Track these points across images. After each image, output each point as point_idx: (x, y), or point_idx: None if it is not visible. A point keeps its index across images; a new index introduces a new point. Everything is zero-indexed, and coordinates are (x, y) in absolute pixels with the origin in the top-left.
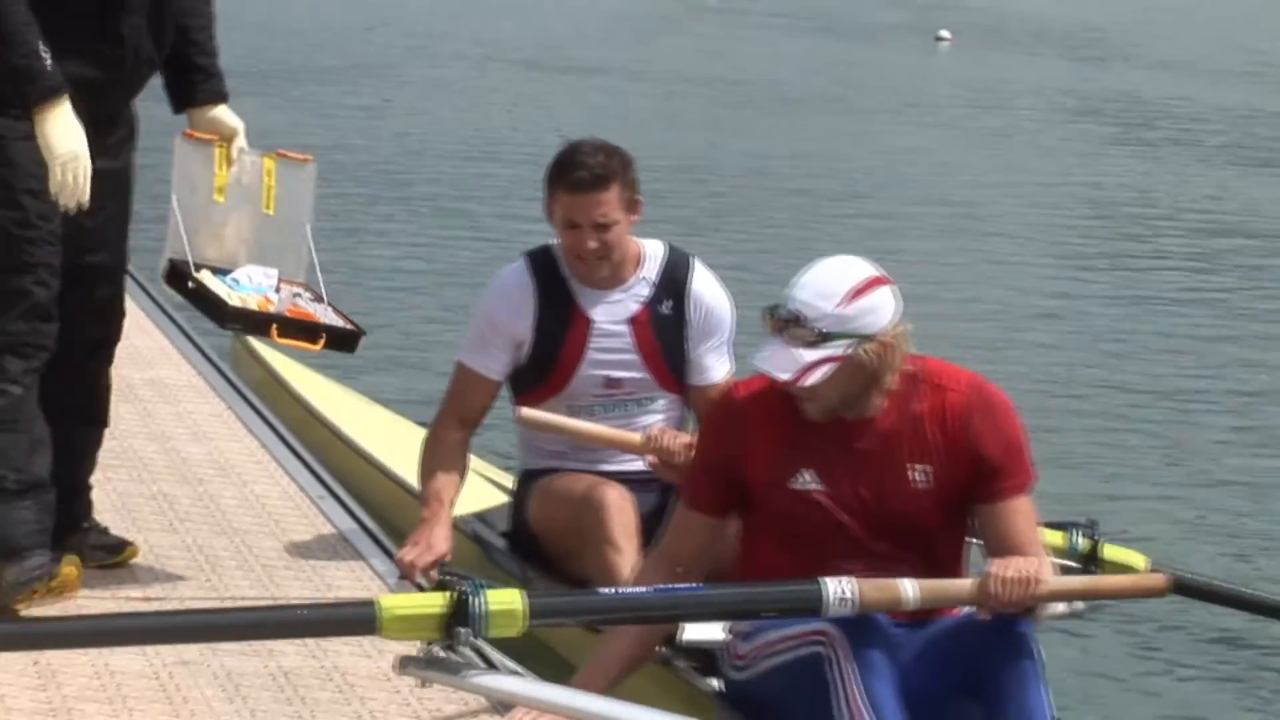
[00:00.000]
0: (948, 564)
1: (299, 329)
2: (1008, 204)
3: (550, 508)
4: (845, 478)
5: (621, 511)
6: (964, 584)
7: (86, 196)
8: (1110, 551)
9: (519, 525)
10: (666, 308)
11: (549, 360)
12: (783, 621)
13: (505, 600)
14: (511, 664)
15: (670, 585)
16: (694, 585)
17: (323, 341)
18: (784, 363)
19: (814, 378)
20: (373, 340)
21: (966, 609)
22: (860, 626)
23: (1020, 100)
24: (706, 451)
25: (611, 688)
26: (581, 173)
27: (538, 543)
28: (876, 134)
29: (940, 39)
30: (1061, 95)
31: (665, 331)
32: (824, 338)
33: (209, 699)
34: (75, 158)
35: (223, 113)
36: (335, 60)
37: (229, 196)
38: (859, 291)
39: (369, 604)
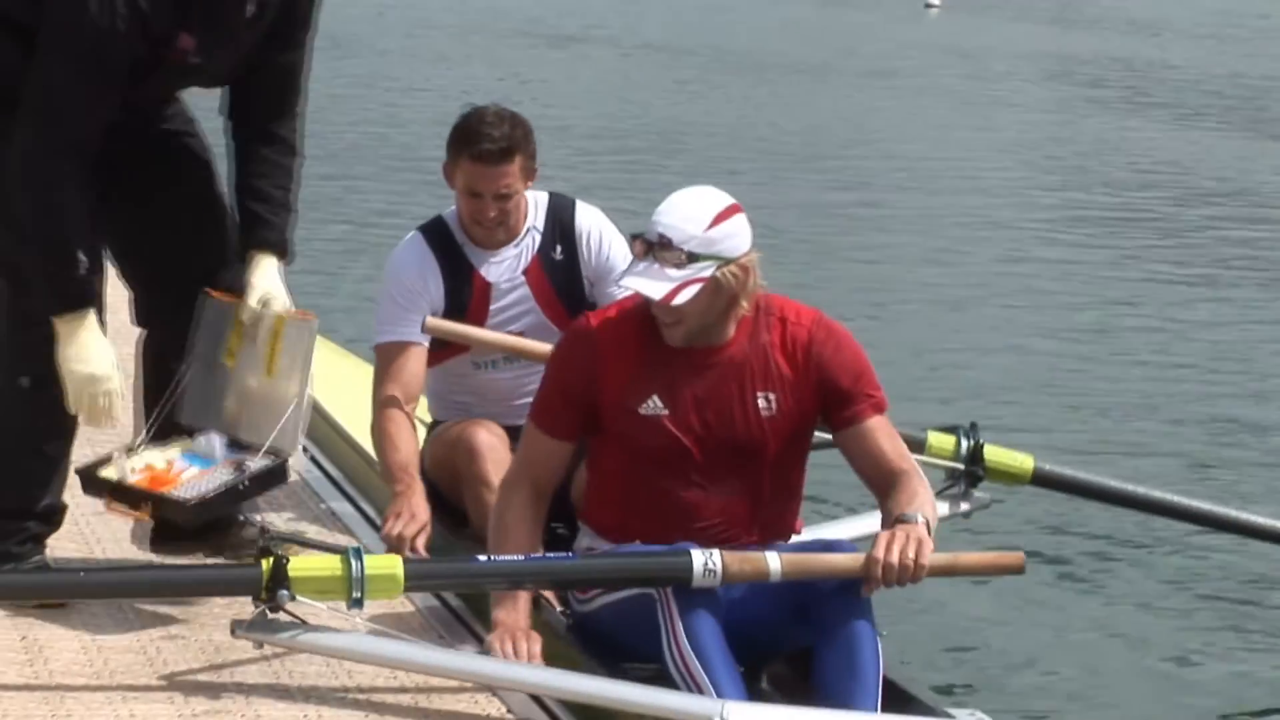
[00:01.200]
0: (781, 487)
1: (135, 497)
2: (978, 163)
3: (436, 455)
4: (692, 403)
5: (492, 450)
6: (838, 559)
7: (117, 415)
8: (992, 452)
9: (423, 475)
10: (558, 253)
11: None
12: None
13: (384, 565)
14: (365, 622)
15: (543, 555)
16: (565, 555)
17: (150, 510)
18: (655, 282)
19: (683, 297)
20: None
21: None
22: None
23: (1008, 65)
24: (564, 379)
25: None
26: (487, 145)
27: (437, 491)
28: (863, 100)
29: (929, 5)
30: (1050, 60)
31: (559, 276)
32: (691, 259)
33: (195, 673)
34: (93, 380)
35: (266, 267)
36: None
37: (238, 359)
38: (721, 217)
39: (255, 566)
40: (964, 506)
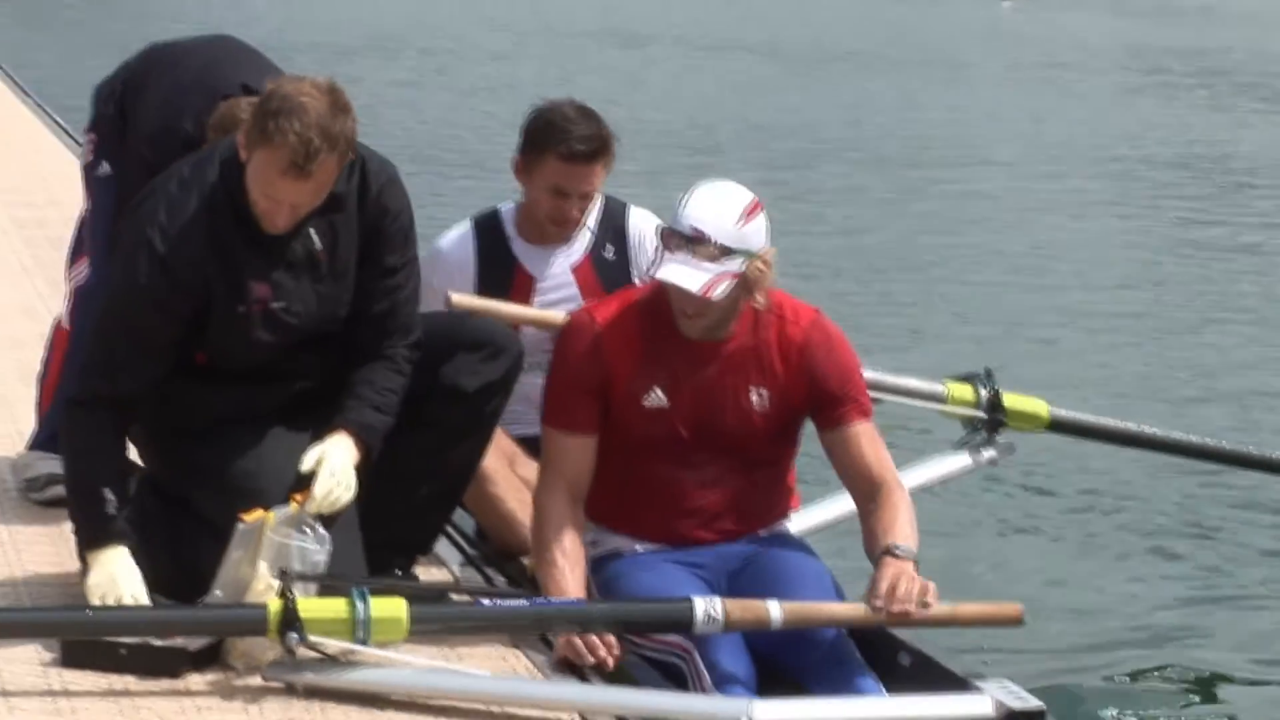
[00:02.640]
0: (771, 476)
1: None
2: (1031, 145)
3: None
4: (689, 395)
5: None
6: (839, 609)
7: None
8: (1010, 399)
9: None
10: (609, 253)
11: None
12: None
13: (389, 609)
14: (375, 653)
15: (546, 599)
16: (570, 600)
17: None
18: (692, 277)
19: (718, 290)
20: None
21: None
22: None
23: (1085, 61)
24: (575, 371)
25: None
26: (579, 145)
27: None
28: (936, 96)
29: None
30: (1126, 55)
31: (609, 276)
32: (724, 253)
33: (266, 681)
34: (101, 596)
35: (337, 439)
36: (376, 30)
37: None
38: (749, 212)
39: (261, 607)
40: (990, 453)
